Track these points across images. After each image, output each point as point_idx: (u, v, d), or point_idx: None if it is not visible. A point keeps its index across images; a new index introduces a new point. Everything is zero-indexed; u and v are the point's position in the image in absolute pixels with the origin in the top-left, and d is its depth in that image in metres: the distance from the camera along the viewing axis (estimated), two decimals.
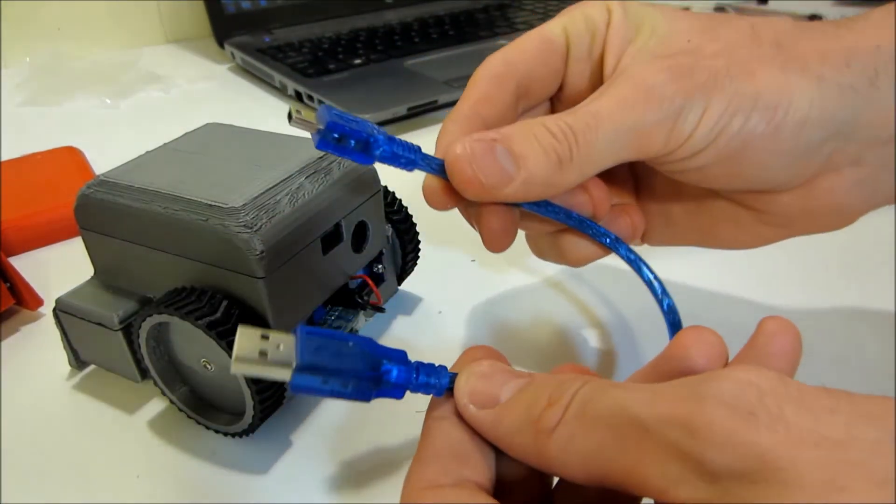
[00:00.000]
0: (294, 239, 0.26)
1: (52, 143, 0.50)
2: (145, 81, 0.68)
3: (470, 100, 0.25)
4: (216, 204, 0.25)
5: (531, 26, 0.75)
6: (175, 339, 0.27)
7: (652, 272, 0.27)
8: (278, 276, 0.25)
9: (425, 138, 0.56)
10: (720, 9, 0.90)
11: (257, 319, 0.25)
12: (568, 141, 0.22)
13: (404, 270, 0.34)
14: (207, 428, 0.28)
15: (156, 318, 0.25)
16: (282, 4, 0.75)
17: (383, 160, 0.22)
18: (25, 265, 0.38)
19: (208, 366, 0.26)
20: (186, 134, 0.31)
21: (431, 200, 0.24)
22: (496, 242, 0.25)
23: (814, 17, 0.85)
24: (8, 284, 0.34)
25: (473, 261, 0.39)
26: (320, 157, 0.28)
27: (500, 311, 0.35)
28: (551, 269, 0.38)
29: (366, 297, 0.31)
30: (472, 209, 0.25)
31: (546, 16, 0.79)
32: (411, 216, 0.34)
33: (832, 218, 0.26)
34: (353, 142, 0.21)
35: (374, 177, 0.30)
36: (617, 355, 0.32)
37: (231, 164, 0.28)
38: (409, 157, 0.22)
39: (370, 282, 0.31)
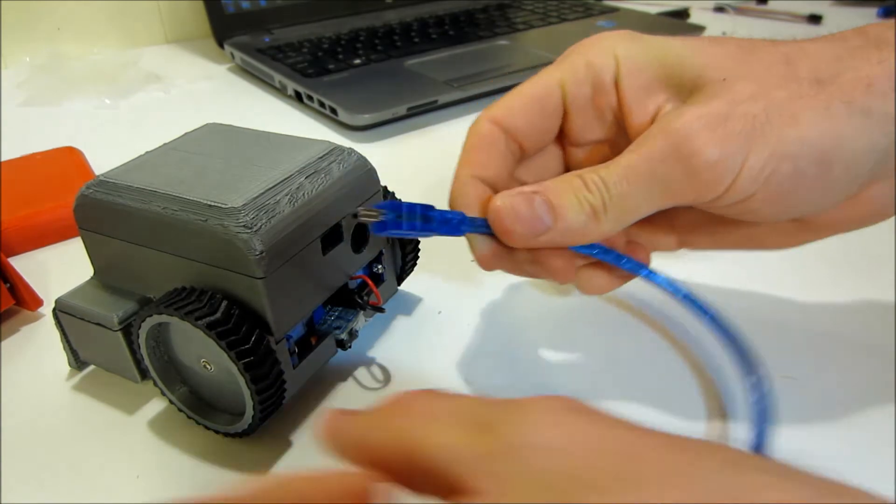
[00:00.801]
0: (294, 239, 0.26)
1: (51, 143, 0.50)
2: (145, 81, 0.68)
3: (466, 167, 0.27)
4: (215, 204, 0.25)
5: (531, 26, 0.75)
6: (175, 339, 0.27)
7: (703, 306, 0.28)
8: (278, 276, 0.25)
9: (425, 138, 0.56)
10: (720, 9, 0.90)
11: (257, 319, 0.25)
12: (602, 194, 0.24)
13: (404, 271, 0.34)
14: (207, 428, 0.28)
15: (155, 319, 0.25)
16: (281, 4, 0.75)
17: (439, 230, 0.25)
18: (25, 265, 0.38)
19: (208, 366, 0.26)
20: (186, 134, 0.31)
21: (484, 263, 0.27)
22: (561, 277, 0.27)
23: (813, 18, 0.85)
24: (8, 285, 0.34)
25: (473, 261, 0.39)
26: (320, 158, 0.28)
27: (500, 312, 0.35)
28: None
29: (365, 298, 0.31)
30: (526, 265, 0.27)
31: (546, 16, 0.79)
32: None
33: (875, 218, 0.26)
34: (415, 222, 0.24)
35: (374, 177, 0.30)
36: (617, 355, 0.32)
37: (231, 165, 0.28)
38: (458, 218, 0.25)
39: (370, 282, 0.31)
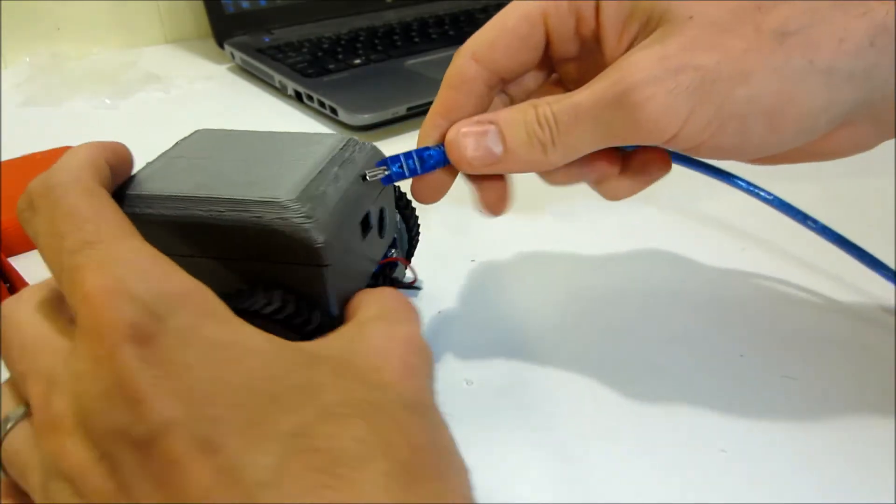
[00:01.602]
0: (344, 226, 0.26)
1: (52, 143, 0.50)
2: (145, 81, 0.68)
3: (439, 109, 0.28)
4: (269, 200, 0.24)
5: None
6: None
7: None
8: (336, 263, 0.25)
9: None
10: None
11: (314, 308, 0.25)
12: (550, 130, 0.25)
13: (410, 254, 0.35)
14: None
15: None
16: (281, 4, 0.75)
17: (437, 163, 0.28)
18: (25, 265, 0.38)
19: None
20: (180, 142, 0.30)
21: (421, 193, 0.29)
22: (493, 208, 0.30)
23: None
24: (8, 284, 0.34)
25: (473, 261, 0.39)
26: (342, 149, 0.28)
27: (500, 312, 0.35)
28: (552, 269, 0.38)
29: (397, 278, 0.32)
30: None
31: None
32: (411, 200, 0.33)
33: (848, 153, 0.26)
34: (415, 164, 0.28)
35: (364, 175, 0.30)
36: (618, 354, 0.32)
37: (250, 164, 0.27)
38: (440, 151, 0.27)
39: (403, 260, 0.32)
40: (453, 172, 0.28)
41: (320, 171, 0.26)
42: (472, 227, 0.42)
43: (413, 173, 0.27)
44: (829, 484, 0.26)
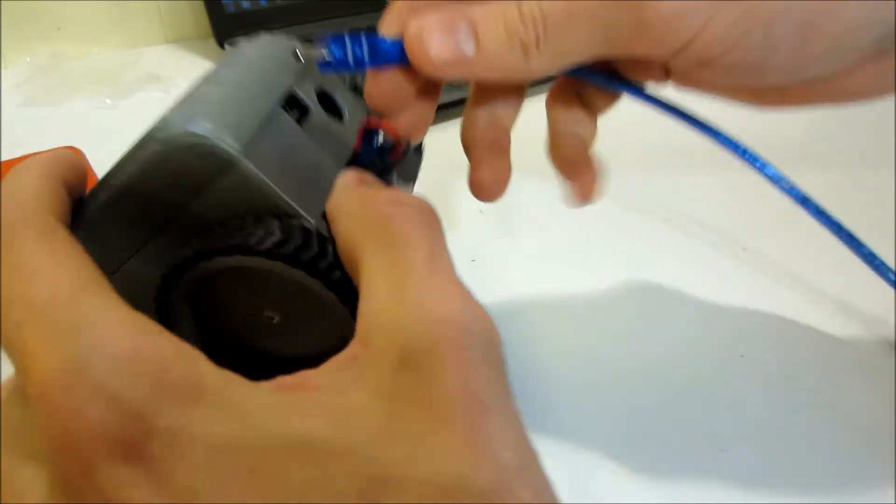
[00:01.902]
0: (240, 115, 0.21)
1: (52, 143, 0.50)
2: (145, 81, 0.68)
3: None
4: (150, 131, 0.21)
5: None
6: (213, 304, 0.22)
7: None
8: (258, 152, 0.20)
9: (426, 137, 0.56)
10: None
11: (308, 234, 0.20)
12: (537, 30, 0.21)
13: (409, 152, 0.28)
14: None
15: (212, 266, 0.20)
16: (282, 5, 0.75)
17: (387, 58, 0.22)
18: None
19: (272, 316, 0.22)
20: None
21: (374, 98, 0.23)
22: (487, 190, 0.26)
23: None
24: None
25: (473, 261, 0.39)
26: (227, 53, 0.24)
27: (500, 312, 0.35)
28: (551, 269, 0.38)
29: (387, 158, 0.25)
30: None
31: None
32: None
33: (874, 95, 0.23)
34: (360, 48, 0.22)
35: (296, 51, 0.26)
36: (618, 354, 0.32)
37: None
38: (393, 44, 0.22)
39: (387, 124, 0.25)
40: (413, 79, 0.23)
41: (206, 79, 0.23)
42: (473, 227, 0.42)
43: (360, 65, 0.22)
44: (830, 484, 0.26)
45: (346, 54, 0.22)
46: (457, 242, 0.37)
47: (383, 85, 0.23)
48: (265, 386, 0.16)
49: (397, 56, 0.22)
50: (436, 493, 0.13)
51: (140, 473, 0.13)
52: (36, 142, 0.51)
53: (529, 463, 0.15)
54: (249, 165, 0.20)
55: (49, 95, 0.64)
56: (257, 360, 0.23)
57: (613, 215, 0.43)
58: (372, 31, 0.22)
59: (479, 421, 0.14)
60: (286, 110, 0.23)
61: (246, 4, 0.73)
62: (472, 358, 0.15)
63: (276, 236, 0.19)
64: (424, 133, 0.25)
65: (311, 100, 0.25)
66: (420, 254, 0.17)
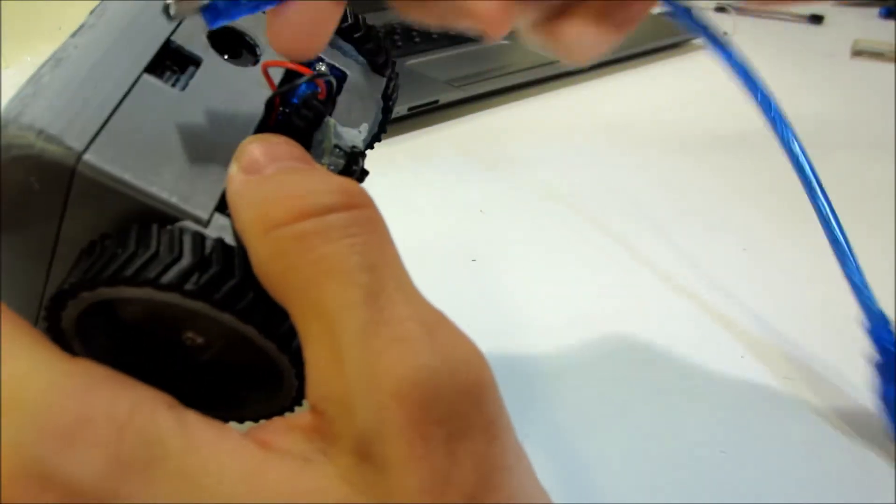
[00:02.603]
0: (82, 103, 0.16)
1: None
2: None
3: None
4: None
5: None
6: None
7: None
8: (109, 144, 0.15)
9: (427, 138, 0.56)
10: (721, 9, 0.90)
11: (154, 216, 0.16)
12: None
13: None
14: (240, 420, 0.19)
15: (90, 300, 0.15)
16: None
17: None
18: None
19: (196, 339, 0.17)
20: None
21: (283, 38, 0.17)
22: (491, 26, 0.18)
23: (815, 18, 0.84)
24: None
25: (474, 261, 0.39)
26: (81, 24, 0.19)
27: (501, 312, 0.35)
28: (552, 269, 0.38)
29: (313, 103, 0.18)
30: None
31: None
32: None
33: None
34: None
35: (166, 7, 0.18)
36: (618, 353, 0.32)
37: None
38: None
39: (304, 70, 0.19)
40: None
41: (45, 64, 0.17)
42: (473, 227, 0.42)
43: (256, 5, 0.16)
44: (829, 484, 0.26)
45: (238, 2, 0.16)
46: (457, 242, 0.38)
47: (294, 20, 0.16)
48: (229, 443, 0.13)
49: None
50: None
51: None
52: None
53: None
54: (94, 163, 0.15)
55: None
56: (186, 376, 0.18)
57: (614, 215, 0.43)
58: None
59: None
60: (160, 73, 0.18)
61: None
62: (448, 435, 0.13)
63: (159, 265, 0.14)
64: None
65: (200, 46, 0.19)
66: (355, 299, 0.13)
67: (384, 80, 0.22)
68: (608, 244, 0.40)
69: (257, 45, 0.20)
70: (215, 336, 0.17)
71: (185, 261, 0.14)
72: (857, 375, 0.31)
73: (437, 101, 0.57)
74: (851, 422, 0.28)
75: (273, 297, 0.15)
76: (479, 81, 0.59)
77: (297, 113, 0.18)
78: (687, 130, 0.54)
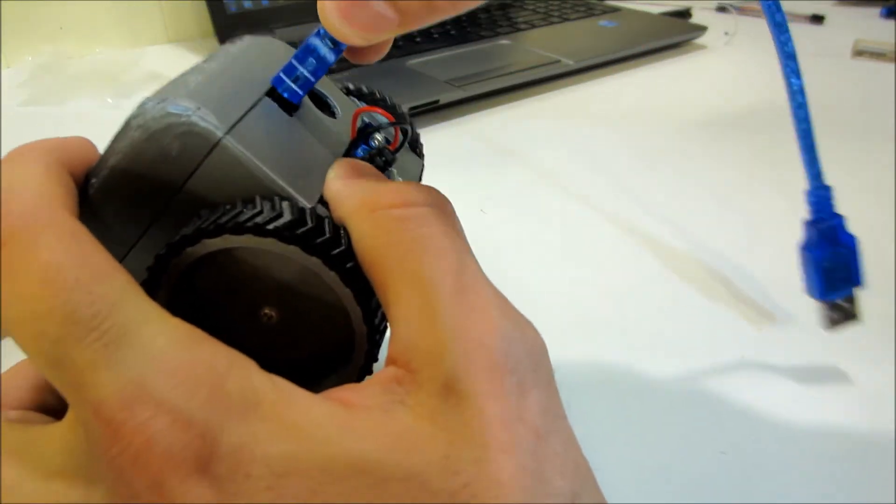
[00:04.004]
0: (222, 98, 0.20)
1: None
2: (147, 81, 0.68)
3: None
4: (133, 115, 0.19)
5: (533, 26, 0.75)
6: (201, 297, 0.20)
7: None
8: (243, 133, 0.19)
9: (427, 138, 0.56)
10: (722, 9, 0.90)
11: (320, 217, 0.18)
12: None
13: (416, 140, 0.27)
14: None
15: (201, 251, 0.18)
16: (284, 4, 0.75)
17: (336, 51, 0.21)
18: None
19: (272, 314, 0.20)
20: None
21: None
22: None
23: (816, 18, 0.84)
24: None
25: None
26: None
27: None
28: (551, 269, 0.38)
29: (386, 150, 0.23)
30: None
31: (548, 15, 0.79)
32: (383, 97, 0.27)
33: None
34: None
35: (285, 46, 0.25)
36: (618, 353, 0.32)
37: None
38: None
39: (383, 113, 0.24)
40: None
41: (187, 71, 0.21)
42: (473, 227, 0.42)
43: (322, 69, 0.21)
44: (829, 484, 0.26)
45: (306, 73, 0.21)
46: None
47: (361, 53, 0.22)
48: (316, 399, 0.15)
49: (337, 49, 0.21)
50: None
51: (208, 490, 0.13)
52: None
53: (584, 489, 0.15)
54: (234, 144, 0.18)
55: (51, 95, 0.65)
56: (258, 355, 0.19)
57: (616, 215, 0.43)
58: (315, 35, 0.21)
59: (532, 449, 0.14)
60: (272, 95, 0.22)
61: (248, 4, 0.73)
62: (519, 382, 0.15)
63: (287, 216, 0.17)
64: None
65: (293, 95, 0.23)
66: (447, 270, 0.16)
67: (420, 160, 0.27)
68: (609, 244, 0.40)
69: (335, 106, 0.25)
70: (291, 308, 0.19)
71: (289, 216, 0.17)
72: (856, 376, 0.31)
73: (437, 101, 0.57)
74: (852, 421, 0.28)
75: (366, 268, 0.17)
76: (479, 81, 0.59)
77: (371, 156, 0.22)
78: (688, 130, 0.54)
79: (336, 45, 0.21)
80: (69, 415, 0.15)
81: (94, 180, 0.19)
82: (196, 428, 0.14)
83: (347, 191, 0.19)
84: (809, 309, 0.35)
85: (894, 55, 0.70)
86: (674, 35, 0.75)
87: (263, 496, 0.14)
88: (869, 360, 0.31)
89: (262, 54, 0.24)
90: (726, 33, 0.79)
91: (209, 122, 0.18)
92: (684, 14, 0.84)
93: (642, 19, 0.79)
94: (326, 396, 0.16)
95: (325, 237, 0.18)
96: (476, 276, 0.17)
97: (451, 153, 0.50)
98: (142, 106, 0.19)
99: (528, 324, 0.17)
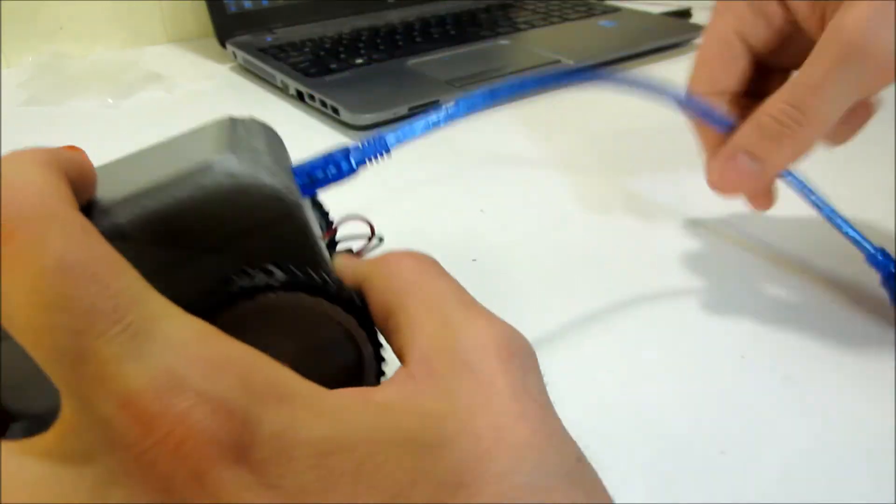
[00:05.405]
0: (285, 177, 0.21)
1: (53, 142, 0.50)
2: (147, 81, 0.68)
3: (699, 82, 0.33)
4: (199, 164, 0.20)
5: (533, 26, 0.75)
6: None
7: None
8: (302, 216, 0.21)
9: (426, 138, 0.56)
10: None
11: (317, 270, 0.21)
12: (795, 118, 0.27)
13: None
14: None
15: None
16: (284, 4, 0.75)
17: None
18: None
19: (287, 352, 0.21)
20: None
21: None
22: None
23: None
24: None
25: (474, 260, 0.39)
26: (230, 126, 0.24)
27: (500, 311, 0.35)
28: (552, 268, 0.38)
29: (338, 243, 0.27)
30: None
31: (548, 15, 0.79)
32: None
33: None
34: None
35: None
36: (618, 353, 0.32)
37: (150, 162, 0.22)
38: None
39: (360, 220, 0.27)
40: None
41: (228, 136, 0.22)
42: (473, 227, 0.42)
43: (334, 180, 0.24)
44: (830, 484, 0.26)
45: (324, 176, 0.24)
46: (457, 242, 0.38)
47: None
48: (341, 392, 0.16)
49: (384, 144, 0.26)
50: (511, 487, 0.15)
51: (251, 476, 0.13)
52: (37, 142, 0.51)
53: (582, 454, 0.17)
54: (301, 215, 0.21)
55: (51, 95, 0.65)
56: None
57: (617, 215, 0.43)
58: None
59: (541, 416, 0.17)
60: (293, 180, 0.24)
61: (248, 4, 0.73)
62: (521, 366, 0.18)
63: (329, 283, 0.21)
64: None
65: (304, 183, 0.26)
66: (452, 292, 0.20)
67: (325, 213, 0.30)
68: (610, 244, 0.40)
69: (328, 212, 0.28)
70: (304, 344, 0.22)
71: (328, 282, 0.21)
72: (856, 376, 0.31)
73: (437, 101, 0.57)
74: (852, 422, 0.28)
75: (381, 305, 0.20)
76: (479, 81, 0.59)
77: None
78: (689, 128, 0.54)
79: (355, 168, 0.24)
80: (62, 423, 0.15)
81: (130, 205, 0.19)
82: (237, 415, 0.14)
83: (360, 263, 0.22)
84: (808, 308, 0.35)
85: None
86: (674, 35, 0.75)
87: (308, 475, 0.14)
88: (869, 360, 0.31)
89: (276, 142, 0.25)
90: None
91: (291, 192, 0.20)
92: (684, 14, 0.84)
93: (642, 19, 0.79)
94: (349, 392, 0.17)
95: (346, 293, 0.21)
96: (476, 302, 0.20)
97: (451, 153, 0.50)
98: (224, 157, 0.20)
99: (524, 336, 0.19)
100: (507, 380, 0.17)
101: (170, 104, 0.64)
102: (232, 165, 0.20)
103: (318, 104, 0.58)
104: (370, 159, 0.24)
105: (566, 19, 0.78)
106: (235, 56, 0.70)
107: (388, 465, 0.14)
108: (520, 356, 0.18)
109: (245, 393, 0.14)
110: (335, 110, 0.56)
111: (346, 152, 0.24)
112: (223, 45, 0.71)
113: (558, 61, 0.65)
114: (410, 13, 0.79)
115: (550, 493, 0.15)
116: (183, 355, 0.14)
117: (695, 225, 0.42)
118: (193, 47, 0.80)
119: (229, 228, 0.20)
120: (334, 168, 0.24)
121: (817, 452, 0.27)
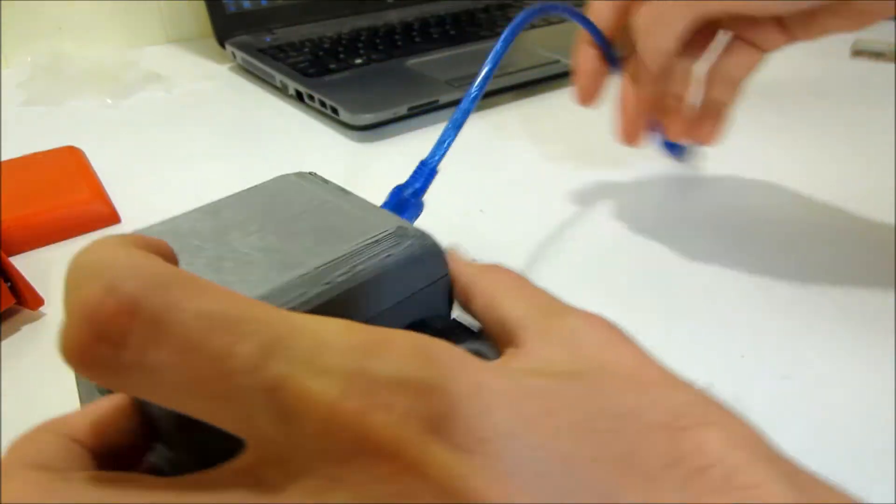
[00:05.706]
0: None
1: (52, 142, 0.50)
2: (146, 81, 0.68)
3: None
4: (382, 233, 0.23)
5: (532, 26, 0.75)
6: None
7: None
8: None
9: (426, 138, 0.56)
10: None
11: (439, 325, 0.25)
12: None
13: None
14: None
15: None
16: (283, 4, 0.75)
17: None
18: (25, 265, 0.38)
19: None
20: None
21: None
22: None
23: None
24: (9, 284, 0.34)
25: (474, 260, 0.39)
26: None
27: None
28: (552, 268, 0.38)
29: None
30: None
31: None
32: None
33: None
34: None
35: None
36: None
37: (289, 232, 0.24)
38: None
39: None
40: None
41: (363, 202, 0.27)
42: (473, 227, 0.42)
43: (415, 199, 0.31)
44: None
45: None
46: (457, 242, 0.37)
47: None
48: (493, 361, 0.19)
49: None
50: (662, 422, 0.16)
51: (456, 440, 0.14)
52: (37, 141, 0.51)
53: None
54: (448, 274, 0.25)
55: (50, 95, 0.65)
56: None
57: (617, 215, 0.43)
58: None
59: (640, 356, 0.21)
60: None
61: (247, 4, 0.73)
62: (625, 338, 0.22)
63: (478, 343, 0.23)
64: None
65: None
66: (535, 288, 0.23)
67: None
68: (611, 243, 0.40)
69: None
70: None
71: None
72: (856, 377, 0.31)
73: (436, 101, 0.57)
74: (852, 422, 0.28)
75: (478, 297, 0.24)
76: None
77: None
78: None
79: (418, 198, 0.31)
80: (247, 456, 0.15)
81: (337, 273, 0.21)
82: (426, 389, 0.14)
83: (480, 276, 0.25)
84: (808, 308, 0.35)
85: (893, 55, 0.70)
86: None
87: (520, 429, 0.14)
88: (869, 360, 0.31)
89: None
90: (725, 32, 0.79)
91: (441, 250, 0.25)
92: None
93: None
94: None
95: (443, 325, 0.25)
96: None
97: (451, 153, 0.50)
98: (402, 226, 0.24)
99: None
100: (587, 323, 0.22)
101: (169, 104, 0.64)
102: (412, 229, 0.24)
103: (317, 104, 0.58)
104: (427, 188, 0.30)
105: (565, 19, 0.78)
106: (235, 56, 0.70)
107: (586, 399, 0.16)
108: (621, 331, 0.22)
109: (422, 365, 0.14)
110: (334, 110, 0.56)
111: (415, 193, 0.30)
112: (222, 45, 0.71)
113: (558, 61, 0.65)
114: (409, 13, 0.79)
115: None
116: (353, 352, 0.14)
117: (695, 225, 0.42)
118: (193, 47, 0.80)
119: (406, 288, 0.23)
120: (414, 209, 0.30)
121: (817, 452, 0.27)
